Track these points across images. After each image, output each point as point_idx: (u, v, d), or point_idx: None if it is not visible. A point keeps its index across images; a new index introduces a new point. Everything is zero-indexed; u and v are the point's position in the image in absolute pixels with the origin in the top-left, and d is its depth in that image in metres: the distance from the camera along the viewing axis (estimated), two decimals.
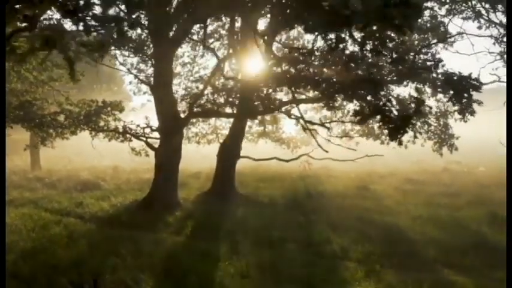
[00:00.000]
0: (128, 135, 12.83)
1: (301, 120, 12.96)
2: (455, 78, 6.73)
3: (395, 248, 8.35)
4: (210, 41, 18.39)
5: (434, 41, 12.36)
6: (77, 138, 17.00)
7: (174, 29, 11.48)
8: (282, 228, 9.92)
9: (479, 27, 12.19)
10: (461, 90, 6.51)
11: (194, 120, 18.83)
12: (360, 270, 6.94)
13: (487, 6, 11.65)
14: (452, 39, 13.49)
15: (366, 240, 8.82)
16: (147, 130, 12.34)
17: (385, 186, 16.63)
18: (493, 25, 12.05)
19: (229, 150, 14.25)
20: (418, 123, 15.07)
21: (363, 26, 2.56)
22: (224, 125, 19.44)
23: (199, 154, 23.30)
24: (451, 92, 6.74)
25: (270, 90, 10.84)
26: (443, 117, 13.66)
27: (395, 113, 3.16)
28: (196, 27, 17.42)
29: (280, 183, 17.15)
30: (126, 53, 13.40)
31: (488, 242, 8.75)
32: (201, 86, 12.35)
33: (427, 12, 14.25)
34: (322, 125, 12.80)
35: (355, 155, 16.79)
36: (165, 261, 6.95)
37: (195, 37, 17.42)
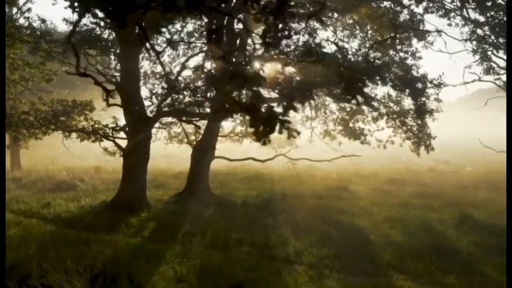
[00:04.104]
0: (98, 135, 12.66)
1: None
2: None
3: (352, 251, 8.13)
4: (192, 39, 18.26)
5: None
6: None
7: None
8: (244, 230, 9.71)
9: (449, 25, 11.93)
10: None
11: (176, 120, 18.69)
12: (305, 275, 6.72)
13: (459, 4, 11.39)
14: (429, 37, 13.22)
15: (324, 243, 8.58)
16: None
17: (365, 186, 16.39)
18: (468, 23, 11.77)
19: (203, 151, 14.10)
20: (399, 122, 14.83)
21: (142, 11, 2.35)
22: None
23: (188, 154, 23.10)
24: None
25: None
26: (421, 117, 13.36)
27: (263, 111, 2.96)
28: (178, 26, 17.31)
29: (260, 184, 16.97)
30: (95, 52, 13.20)
31: (449, 245, 8.51)
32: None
33: (405, 11, 14.06)
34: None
35: (338, 155, 16.56)
36: (106, 264, 6.74)
37: (176, 36, 17.31)
